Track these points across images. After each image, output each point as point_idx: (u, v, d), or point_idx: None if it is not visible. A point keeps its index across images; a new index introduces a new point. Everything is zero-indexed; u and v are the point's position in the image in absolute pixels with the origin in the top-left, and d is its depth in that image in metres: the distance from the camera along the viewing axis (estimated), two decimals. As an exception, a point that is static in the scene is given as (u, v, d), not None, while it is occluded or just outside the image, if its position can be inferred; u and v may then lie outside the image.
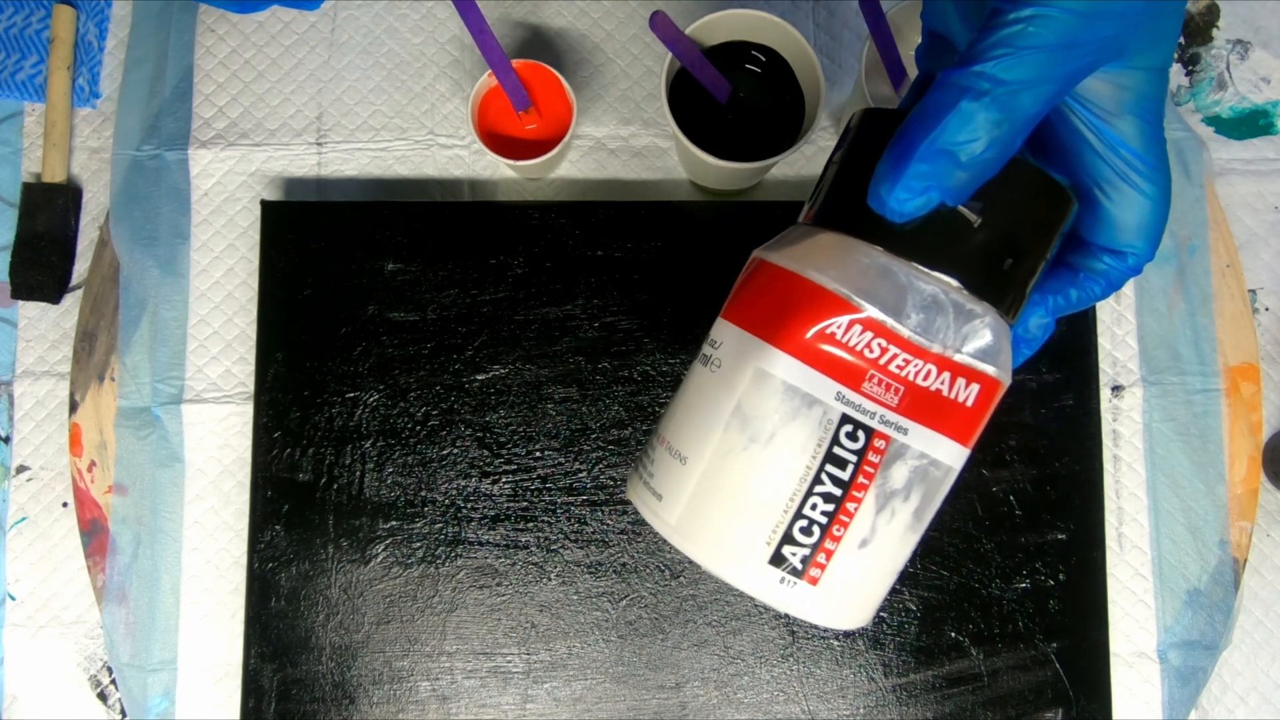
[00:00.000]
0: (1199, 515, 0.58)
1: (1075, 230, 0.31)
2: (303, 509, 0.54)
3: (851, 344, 0.27)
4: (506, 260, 0.56)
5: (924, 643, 0.54)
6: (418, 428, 0.55)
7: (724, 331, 0.30)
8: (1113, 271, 0.31)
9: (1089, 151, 0.29)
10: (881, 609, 0.54)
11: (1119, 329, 0.59)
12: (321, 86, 0.61)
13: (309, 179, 0.60)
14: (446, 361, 0.55)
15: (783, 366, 0.28)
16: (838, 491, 0.28)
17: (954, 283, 0.28)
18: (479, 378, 0.55)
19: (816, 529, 0.28)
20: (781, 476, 0.28)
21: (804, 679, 0.54)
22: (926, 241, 0.27)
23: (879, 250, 0.28)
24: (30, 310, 0.60)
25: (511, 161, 0.54)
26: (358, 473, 0.55)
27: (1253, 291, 0.60)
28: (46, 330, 0.60)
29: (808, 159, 0.60)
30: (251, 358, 0.57)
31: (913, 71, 0.55)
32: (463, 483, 0.55)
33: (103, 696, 0.58)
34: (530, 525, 0.54)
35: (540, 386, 0.55)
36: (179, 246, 0.60)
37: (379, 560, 0.54)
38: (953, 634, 0.54)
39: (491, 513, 0.54)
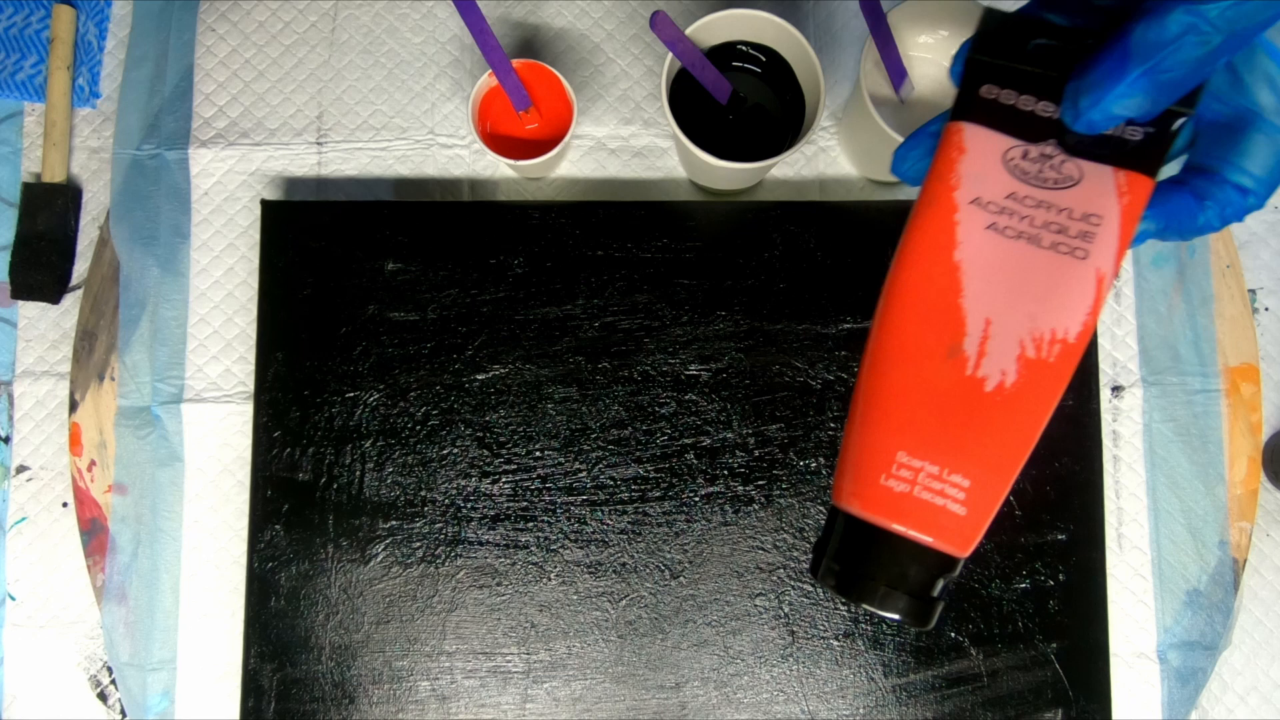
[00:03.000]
0: (1199, 516, 0.58)
1: (1204, 159, 0.31)
2: (302, 508, 0.54)
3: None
4: (506, 260, 0.56)
5: (924, 643, 0.54)
6: (418, 427, 0.55)
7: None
8: (1229, 206, 0.30)
9: (1254, 75, 0.29)
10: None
11: (1119, 329, 0.59)
12: (322, 86, 0.61)
13: (309, 178, 0.60)
14: (446, 361, 0.55)
15: None
16: None
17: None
18: (479, 377, 0.55)
19: None
20: None
21: (804, 679, 0.54)
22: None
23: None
24: (30, 310, 0.60)
25: (512, 161, 0.54)
26: (357, 472, 0.55)
27: (1253, 291, 0.60)
28: (46, 330, 0.60)
29: (808, 159, 0.60)
30: (251, 357, 0.57)
31: (913, 71, 0.55)
32: (462, 482, 0.55)
33: (102, 696, 0.58)
34: (530, 525, 0.54)
35: (540, 386, 0.55)
36: (179, 246, 0.60)
37: (379, 560, 0.54)
38: (952, 634, 0.54)
39: (491, 512, 0.54)
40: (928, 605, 0.29)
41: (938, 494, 0.29)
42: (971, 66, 0.30)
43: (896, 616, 0.29)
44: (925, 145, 0.31)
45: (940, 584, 0.30)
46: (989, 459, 0.29)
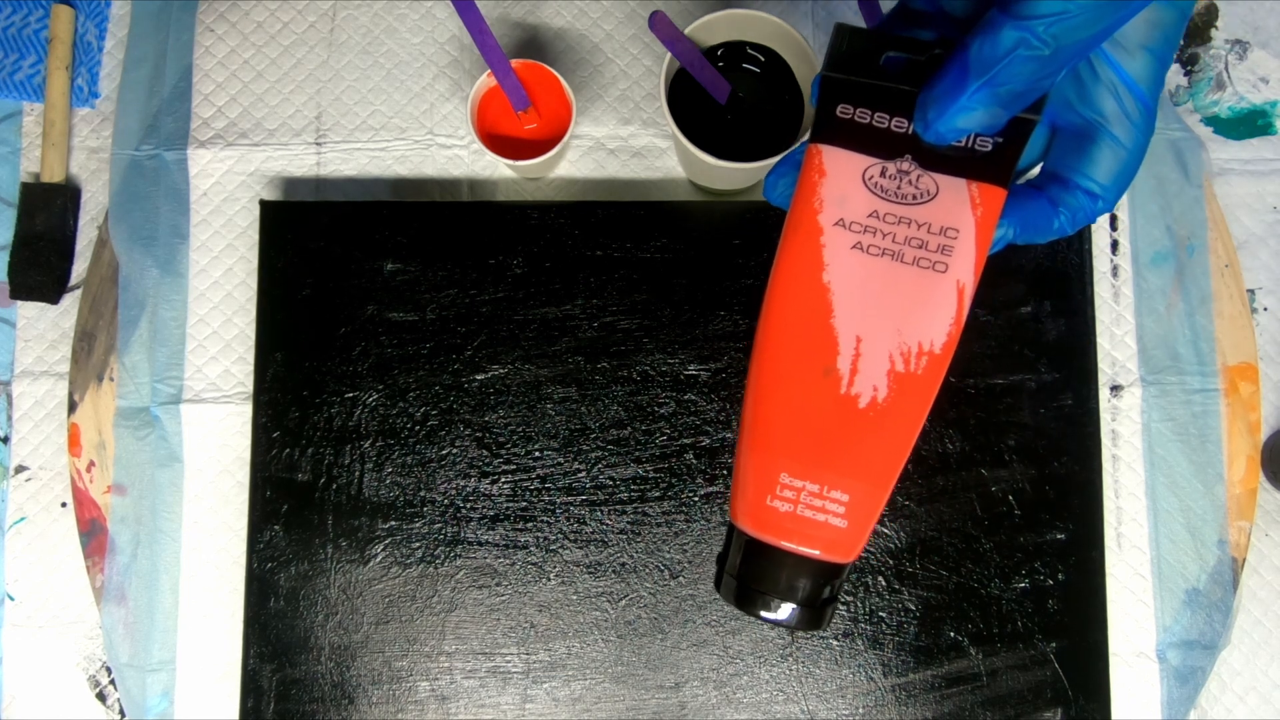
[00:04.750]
0: (1198, 515, 0.58)
1: (1058, 166, 0.32)
2: (302, 509, 0.54)
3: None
4: (505, 260, 0.56)
5: (923, 642, 0.54)
6: (417, 428, 0.55)
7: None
8: (1080, 211, 0.31)
9: (1098, 86, 0.30)
10: (880, 609, 0.54)
11: (1118, 329, 0.59)
12: (320, 86, 0.61)
13: (308, 179, 0.60)
14: (446, 361, 0.55)
15: None
16: None
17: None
18: (478, 378, 0.55)
19: None
20: None
21: (803, 679, 0.54)
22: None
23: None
24: (29, 310, 0.60)
25: (511, 161, 0.54)
26: (357, 473, 0.55)
27: (1251, 291, 0.60)
28: (45, 330, 0.60)
29: (807, 159, 0.60)
30: (250, 358, 0.57)
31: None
32: (462, 483, 0.55)
33: (102, 696, 0.58)
34: (529, 525, 0.54)
35: (539, 386, 0.55)
36: (178, 246, 0.60)
37: (378, 560, 0.54)
38: (952, 634, 0.54)
39: (491, 513, 0.54)
40: (819, 611, 0.31)
41: (819, 510, 0.30)
42: (826, 86, 0.31)
43: (791, 625, 0.31)
44: (792, 172, 0.32)
45: (829, 588, 0.31)
46: (866, 473, 0.30)
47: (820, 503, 0.30)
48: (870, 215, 0.30)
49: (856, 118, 0.30)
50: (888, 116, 0.30)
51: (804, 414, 0.30)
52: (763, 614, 0.31)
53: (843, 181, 0.30)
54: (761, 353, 0.31)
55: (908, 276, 0.30)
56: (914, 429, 0.30)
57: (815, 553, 0.30)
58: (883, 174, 0.30)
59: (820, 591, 0.31)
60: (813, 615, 0.31)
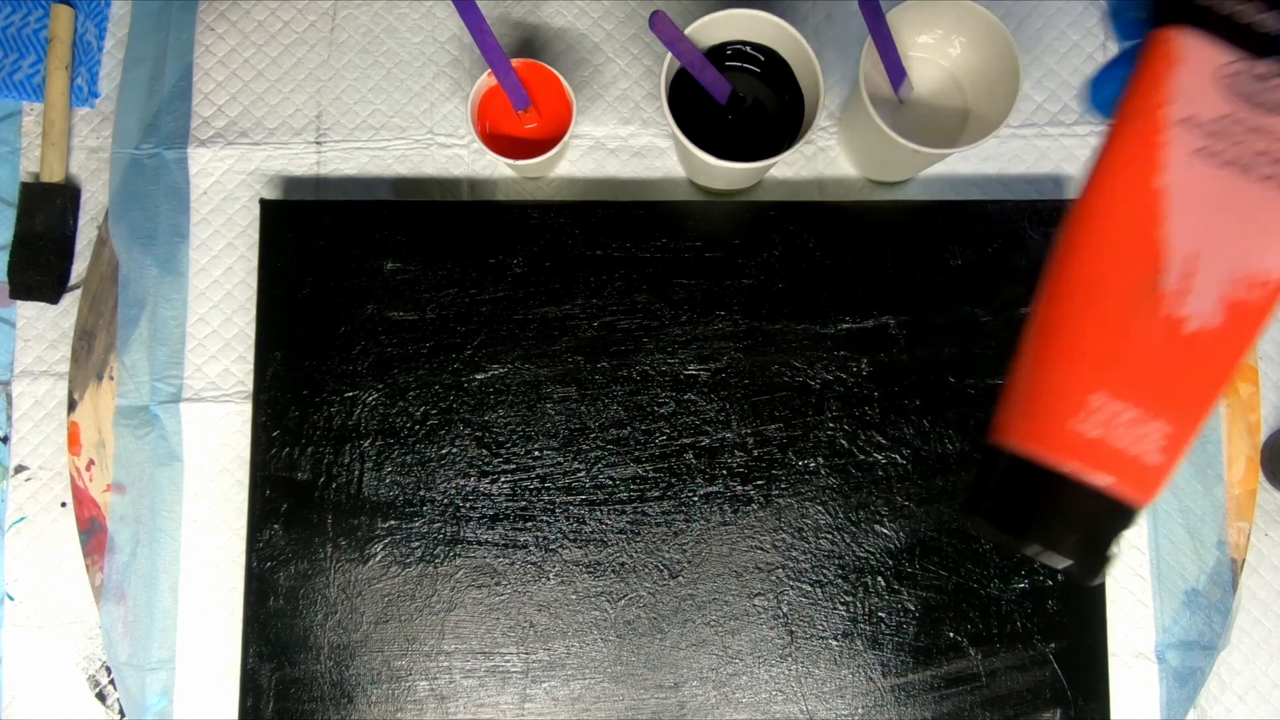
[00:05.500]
0: (1197, 516, 0.58)
1: None
2: (301, 508, 0.54)
3: None
4: (505, 260, 0.56)
5: (922, 643, 0.54)
6: (416, 427, 0.55)
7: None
8: None
9: None
10: (880, 609, 0.54)
11: (1117, 329, 0.59)
12: (321, 85, 0.61)
13: (308, 178, 0.60)
14: (445, 361, 0.55)
15: None
16: None
17: None
18: (478, 377, 0.55)
19: None
20: None
21: (802, 679, 0.54)
22: None
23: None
24: (29, 310, 0.60)
25: (511, 161, 0.54)
26: (356, 472, 0.55)
27: (1251, 292, 0.60)
28: (45, 330, 0.60)
29: (807, 159, 0.60)
30: (250, 356, 0.57)
31: (912, 71, 0.55)
32: (461, 482, 0.55)
33: (101, 696, 0.58)
34: (529, 525, 0.54)
35: (539, 386, 0.55)
36: (178, 245, 0.60)
37: (377, 559, 0.54)
38: (951, 634, 0.54)
39: (490, 512, 0.54)
40: (1103, 558, 0.27)
41: (1135, 441, 0.26)
42: None
43: (1073, 573, 0.27)
44: (1129, 66, 0.27)
45: (1119, 535, 0.27)
46: (1189, 405, 0.26)
47: (1140, 431, 0.26)
48: (1222, 118, 0.26)
49: (1215, 6, 0.26)
50: (1256, 8, 0.26)
51: (1122, 332, 0.26)
52: (1043, 554, 0.27)
53: (1195, 74, 0.26)
54: (1069, 258, 0.27)
55: (1255, 194, 0.26)
56: (1238, 361, 0.27)
57: (1118, 486, 0.26)
58: (1243, 73, 0.26)
59: (1112, 534, 0.27)
60: (1097, 562, 0.27)
